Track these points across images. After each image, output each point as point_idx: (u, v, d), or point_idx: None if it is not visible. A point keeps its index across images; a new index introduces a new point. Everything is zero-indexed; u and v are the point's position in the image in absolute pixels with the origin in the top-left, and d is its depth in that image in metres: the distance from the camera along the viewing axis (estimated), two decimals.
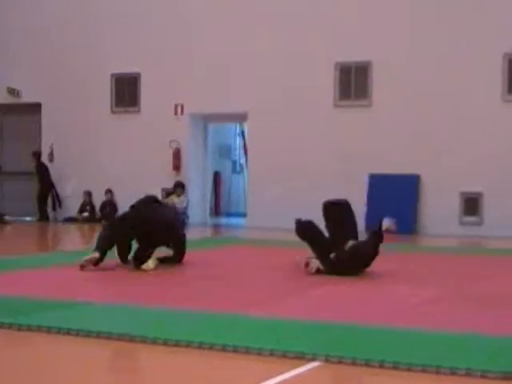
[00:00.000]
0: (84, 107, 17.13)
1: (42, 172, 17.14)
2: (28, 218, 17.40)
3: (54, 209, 17.33)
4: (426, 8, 14.34)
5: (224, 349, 4.65)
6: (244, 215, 17.24)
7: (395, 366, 4.26)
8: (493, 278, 8.08)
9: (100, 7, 17.00)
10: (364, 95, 14.82)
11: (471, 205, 14.12)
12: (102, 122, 17.00)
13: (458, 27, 14.09)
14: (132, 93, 16.82)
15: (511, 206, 13.69)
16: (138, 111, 16.79)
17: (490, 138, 13.90)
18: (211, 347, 4.68)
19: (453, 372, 4.16)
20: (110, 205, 16.80)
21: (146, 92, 16.62)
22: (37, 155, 17.21)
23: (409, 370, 4.23)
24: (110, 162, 16.83)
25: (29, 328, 5.19)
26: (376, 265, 8.33)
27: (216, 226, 16.94)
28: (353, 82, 14.93)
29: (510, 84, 13.89)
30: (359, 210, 14.34)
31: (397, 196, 14.18)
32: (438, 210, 14.15)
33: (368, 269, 8.16)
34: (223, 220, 18.48)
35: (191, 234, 14.88)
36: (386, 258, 9.56)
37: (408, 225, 14.14)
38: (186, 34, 16.17)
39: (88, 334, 5.03)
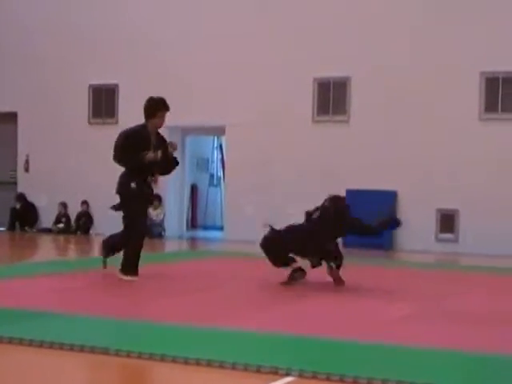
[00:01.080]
0: (61, 117, 17.03)
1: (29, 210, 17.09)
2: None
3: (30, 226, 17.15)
4: (404, 26, 14.42)
5: (198, 363, 4.62)
6: (221, 228, 17.20)
7: (370, 382, 4.24)
8: (467, 294, 8.10)
9: (78, 17, 16.93)
10: (342, 111, 14.86)
11: (447, 222, 14.18)
12: (79, 132, 16.90)
13: (435, 46, 14.16)
14: (110, 104, 16.75)
15: (487, 223, 13.76)
16: (116, 122, 16.69)
17: (466, 156, 13.97)
18: (185, 361, 4.65)
19: None
20: (85, 216, 16.69)
21: (124, 103, 16.55)
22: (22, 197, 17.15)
23: None
24: (87, 173, 16.72)
25: None
26: (352, 279, 8.31)
27: (192, 239, 16.88)
28: (331, 97, 14.97)
29: (486, 103, 13.98)
30: None
31: (374, 212, 14.15)
32: (414, 226, 14.18)
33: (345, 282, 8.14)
34: (200, 233, 18.42)
35: (168, 247, 14.87)
36: (363, 273, 9.58)
37: (385, 240, 14.16)
38: (164, 47, 16.13)
39: (61, 346, 4.98)
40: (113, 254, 8.82)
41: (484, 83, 13.94)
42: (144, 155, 8.55)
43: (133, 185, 8.62)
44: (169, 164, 8.99)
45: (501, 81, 13.85)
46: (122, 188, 8.77)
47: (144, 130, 8.87)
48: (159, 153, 8.63)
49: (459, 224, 14.11)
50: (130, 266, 8.45)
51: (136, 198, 8.61)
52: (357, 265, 9.82)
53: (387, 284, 8.96)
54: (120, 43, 16.52)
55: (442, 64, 14.11)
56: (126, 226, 8.62)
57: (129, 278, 8.38)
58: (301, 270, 8.42)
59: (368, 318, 6.41)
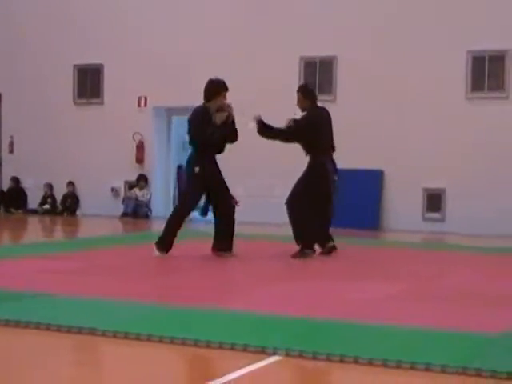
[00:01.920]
0: (46, 98, 16.91)
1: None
2: None
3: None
4: (390, 4, 14.38)
5: (184, 342, 4.61)
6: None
7: (356, 360, 4.25)
8: (454, 273, 8.13)
9: None
10: (328, 90, 14.82)
11: (434, 201, 14.21)
12: (64, 113, 16.80)
13: (422, 24, 14.13)
14: (95, 84, 16.64)
15: (473, 202, 13.79)
16: (101, 103, 16.63)
17: (453, 135, 13.98)
18: (172, 341, 4.64)
19: (412, 367, 4.17)
20: (71, 197, 16.64)
21: (109, 84, 16.46)
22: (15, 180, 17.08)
23: (370, 364, 4.22)
24: (72, 154, 16.64)
25: None
26: (339, 260, 8.32)
27: None
28: (317, 76, 14.92)
29: (473, 82, 13.98)
30: None
31: (360, 191, 14.21)
32: (401, 205, 14.22)
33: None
34: None
35: (154, 227, 14.83)
36: (350, 254, 9.59)
37: (371, 220, 14.20)
38: (149, 27, 16.02)
39: (48, 327, 4.96)
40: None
41: (471, 62, 13.92)
42: (216, 117, 8.88)
43: (196, 169, 8.83)
44: (233, 132, 9.20)
45: (487, 59, 13.84)
46: (187, 169, 9.04)
47: (207, 110, 9.02)
48: (224, 115, 8.96)
49: (446, 203, 14.14)
50: (164, 242, 8.73)
51: (196, 182, 8.83)
52: (343, 245, 9.82)
53: (374, 264, 8.97)
54: (105, 23, 16.39)
55: (428, 43, 14.08)
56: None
57: (158, 253, 8.67)
58: (313, 250, 8.95)
59: (355, 297, 6.41)
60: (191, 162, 8.97)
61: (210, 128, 8.80)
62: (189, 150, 9.36)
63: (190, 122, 9.04)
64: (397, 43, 14.27)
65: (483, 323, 5.32)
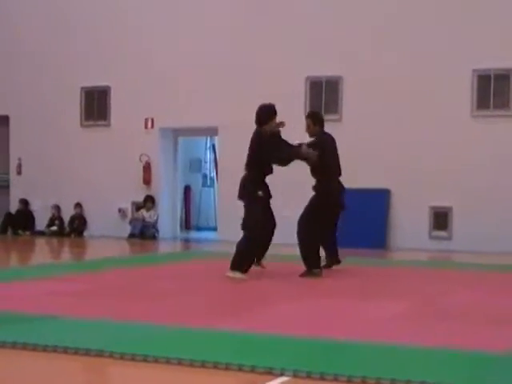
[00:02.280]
0: (53, 120, 17.01)
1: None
2: None
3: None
4: (397, 24, 14.43)
5: (192, 364, 4.61)
6: (214, 229, 17.18)
7: (364, 381, 4.24)
8: (461, 292, 8.10)
9: (70, 19, 16.91)
10: (334, 110, 14.85)
11: (440, 219, 14.19)
12: (72, 135, 16.88)
13: (428, 43, 14.17)
14: (102, 106, 16.73)
15: (479, 220, 13.78)
16: (108, 125, 16.70)
17: (459, 153, 13.99)
18: (179, 362, 4.64)
19: None
20: (78, 218, 16.67)
21: (116, 105, 16.54)
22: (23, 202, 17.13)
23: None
24: (80, 175, 16.71)
25: None
26: (346, 279, 8.30)
27: (186, 240, 16.86)
28: (323, 96, 14.97)
29: (478, 100, 14.00)
30: None
31: (367, 210, 14.21)
32: (408, 224, 14.20)
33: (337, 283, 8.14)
34: (193, 234, 18.41)
35: (161, 248, 14.85)
36: (357, 273, 9.58)
37: (378, 239, 14.18)
38: (156, 49, 16.12)
39: (55, 349, 4.96)
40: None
41: (476, 80, 13.95)
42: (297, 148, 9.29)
43: (260, 193, 9.00)
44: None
45: (492, 78, 13.87)
46: (249, 194, 9.09)
47: (265, 133, 9.32)
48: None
49: (452, 221, 14.12)
50: (241, 264, 8.83)
51: (262, 204, 9.01)
52: (350, 264, 9.82)
53: (380, 283, 8.96)
54: (112, 46, 16.49)
55: (434, 61, 14.12)
56: (245, 228, 9.02)
57: (237, 275, 8.75)
58: (320, 268, 9.10)
59: (361, 317, 6.40)
60: (252, 185, 9.07)
61: (278, 150, 9.13)
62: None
63: (258, 144, 9.20)
64: (403, 62, 14.30)
65: (487, 342, 5.30)
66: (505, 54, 13.73)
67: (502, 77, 13.83)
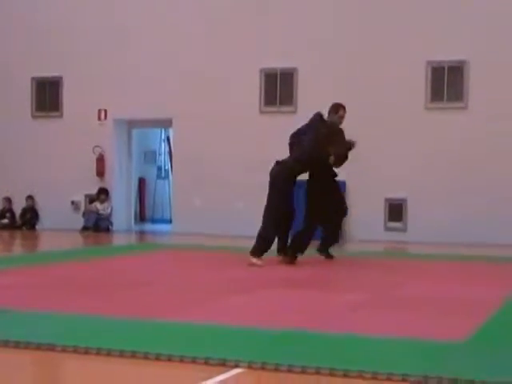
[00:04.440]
0: (3, 111, 16.71)
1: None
2: None
3: None
4: (351, 16, 14.47)
5: (146, 356, 4.55)
6: (169, 221, 17.08)
7: (318, 371, 4.22)
8: (415, 282, 8.15)
9: (20, 9, 16.63)
10: (289, 101, 14.84)
11: (395, 211, 14.28)
12: (23, 126, 16.59)
13: (381, 35, 14.23)
14: (54, 97, 16.48)
15: (434, 211, 13.90)
16: (61, 116, 16.47)
17: (413, 145, 14.08)
18: (133, 355, 4.57)
19: (374, 376, 4.15)
20: (30, 211, 16.43)
21: (69, 96, 16.32)
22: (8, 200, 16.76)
23: (331, 374, 4.19)
24: (32, 167, 16.45)
25: None
26: (302, 270, 8.29)
27: (141, 233, 16.75)
28: (278, 88, 14.95)
29: (432, 92, 14.10)
30: None
31: None
32: (363, 215, 14.25)
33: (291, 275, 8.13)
34: (148, 226, 18.30)
35: (115, 241, 14.72)
36: (313, 263, 9.58)
37: None
38: (109, 38, 15.94)
39: (6, 344, 4.86)
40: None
41: (430, 72, 14.04)
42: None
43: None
44: None
45: (446, 70, 13.97)
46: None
47: None
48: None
49: (407, 213, 14.22)
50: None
51: None
52: (305, 255, 9.81)
53: (337, 274, 8.97)
54: (64, 34, 16.25)
55: (388, 53, 14.19)
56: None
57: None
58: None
59: (317, 307, 6.39)
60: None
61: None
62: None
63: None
64: (356, 55, 14.34)
65: (444, 331, 5.33)
66: (458, 46, 13.85)
67: (455, 69, 13.94)
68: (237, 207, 14.80)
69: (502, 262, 10.40)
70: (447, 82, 14.00)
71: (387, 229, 14.33)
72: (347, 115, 10.26)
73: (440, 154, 13.90)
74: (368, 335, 5.08)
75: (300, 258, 9.66)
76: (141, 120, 16.43)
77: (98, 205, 15.96)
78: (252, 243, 9.38)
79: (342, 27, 14.48)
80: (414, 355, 4.58)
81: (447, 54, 13.88)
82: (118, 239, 14.90)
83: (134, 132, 17.11)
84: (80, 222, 16.00)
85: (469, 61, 13.80)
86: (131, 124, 16.60)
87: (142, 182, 19.41)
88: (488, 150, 13.70)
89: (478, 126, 13.75)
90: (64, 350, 4.71)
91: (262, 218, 9.41)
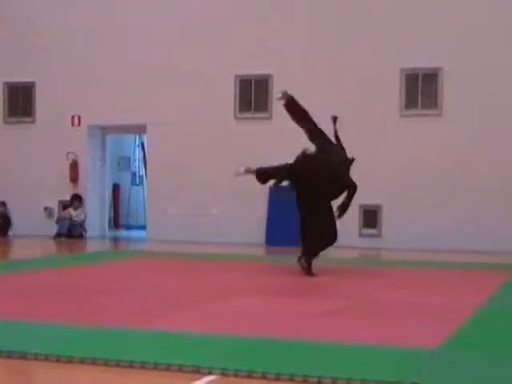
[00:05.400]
0: None
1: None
2: None
3: None
4: (325, 23, 14.49)
5: (118, 364, 4.50)
6: (144, 228, 17.00)
7: (291, 378, 4.20)
8: (391, 288, 8.15)
9: None
10: (264, 108, 14.84)
11: (370, 217, 14.31)
12: None
13: (356, 42, 14.27)
14: (26, 102, 16.35)
15: (408, 218, 13.93)
16: (33, 121, 16.34)
17: (388, 152, 14.12)
18: (105, 363, 4.52)
19: (348, 383, 4.12)
20: (2, 217, 16.27)
21: (42, 102, 16.19)
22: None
23: (305, 381, 4.17)
24: (3, 173, 16.29)
25: None
26: (276, 277, 8.26)
27: (115, 239, 16.65)
28: (253, 94, 14.94)
29: (407, 99, 14.15)
30: (260, 222, 14.37)
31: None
32: (338, 222, 14.22)
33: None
34: (122, 233, 18.19)
35: (89, 247, 14.61)
36: (288, 270, 9.56)
37: None
38: (83, 44, 15.85)
39: None
40: None
41: (404, 79, 14.10)
42: None
43: None
44: None
45: (420, 77, 14.03)
46: None
47: None
48: None
49: (382, 219, 14.25)
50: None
51: None
52: (280, 262, 9.79)
53: (311, 280, 8.95)
54: (37, 39, 16.12)
55: (363, 60, 14.22)
56: None
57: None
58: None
59: (292, 314, 6.36)
60: None
61: None
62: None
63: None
64: (329, 62, 14.37)
65: (418, 338, 5.32)
66: (432, 53, 13.92)
67: (429, 76, 14.01)
68: (211, 213, 14.76)
69: (476, 269, 10.45)
70: (421, 89, 14.07)
71: (362, 235, 14.35)
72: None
73: (415, 161, 13.94)
74: (342, 342, 5.07)
75: (278, 264, 9.63)
76: (115, 126, 16.34)
77: (71, 211, 15.85)
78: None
79: (316, 34, 14.51)
80: (387, 362, 4.57)
81: (421, 61, 13.94)
82: (92, 246, 14.79)
83: (108, 138, 17.01)
84: (53, 228, 15.86)
85: (443, 68, 13.88)
86: (105, 130, 16.50)
87: (116, 188, 19.30)
88: (463, 156, 13.77)
89: (452, 133, 13.82)
90: (36, 358, 4.65)
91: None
